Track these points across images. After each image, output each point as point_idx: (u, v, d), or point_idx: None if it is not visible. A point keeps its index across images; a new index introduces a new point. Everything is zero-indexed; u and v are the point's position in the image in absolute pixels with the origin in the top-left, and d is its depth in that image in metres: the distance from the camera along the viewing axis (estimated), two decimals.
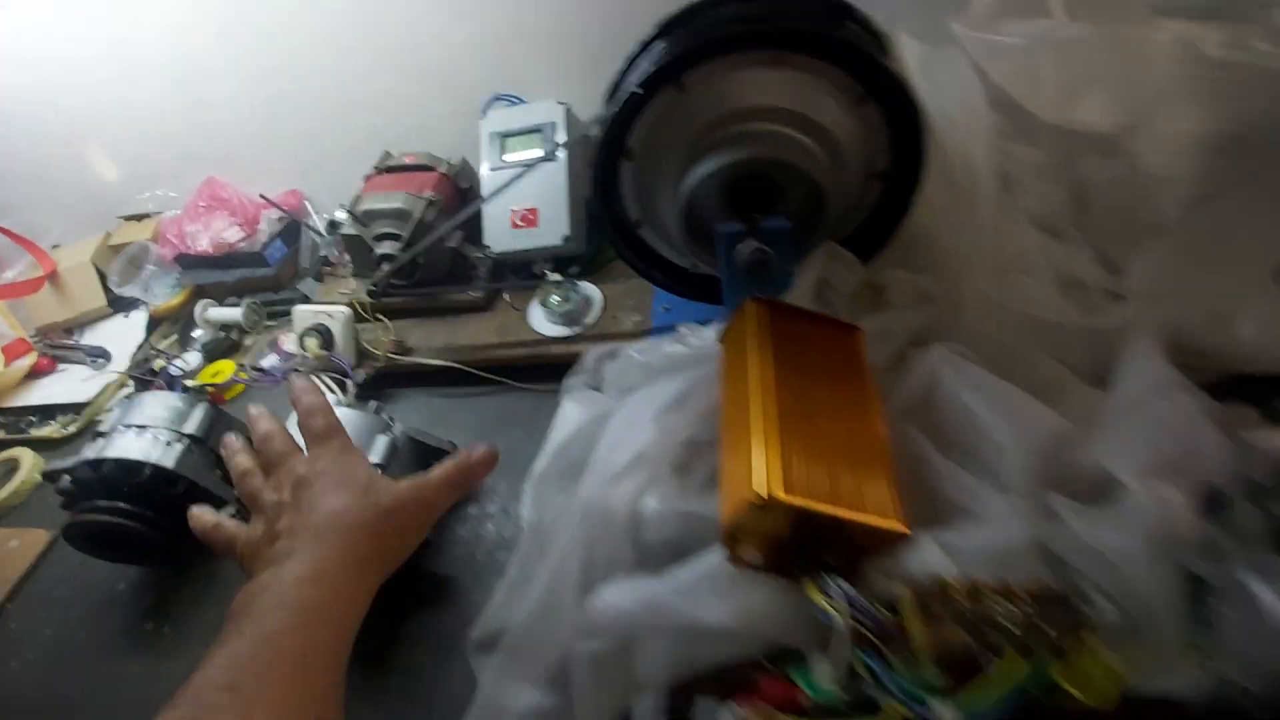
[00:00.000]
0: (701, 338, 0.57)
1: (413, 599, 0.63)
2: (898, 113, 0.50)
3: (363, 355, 0.83)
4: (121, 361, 0.97)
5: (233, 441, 0.51)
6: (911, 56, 0.55)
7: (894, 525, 0.37)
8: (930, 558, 0.35)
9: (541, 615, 0.49)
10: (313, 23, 0.87)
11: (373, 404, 0.70)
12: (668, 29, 0.53)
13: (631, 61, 0.55)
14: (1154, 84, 0.48)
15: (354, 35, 0.88)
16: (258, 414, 0.50)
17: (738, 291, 0.51)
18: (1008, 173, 0.61)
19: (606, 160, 0.55)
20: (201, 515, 0.48)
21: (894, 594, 0.34)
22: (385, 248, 0.80)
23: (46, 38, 0.95)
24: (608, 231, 0.61)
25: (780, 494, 0.36)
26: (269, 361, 0.90)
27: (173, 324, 1.03)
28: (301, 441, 0.48)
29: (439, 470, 0.47)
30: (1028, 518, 0.36)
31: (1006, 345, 0.51)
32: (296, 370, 0.83)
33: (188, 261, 1.02)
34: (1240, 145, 0.51)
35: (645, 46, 0.54)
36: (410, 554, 0.46)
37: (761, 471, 0.38)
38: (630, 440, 0.48)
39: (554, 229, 0.81)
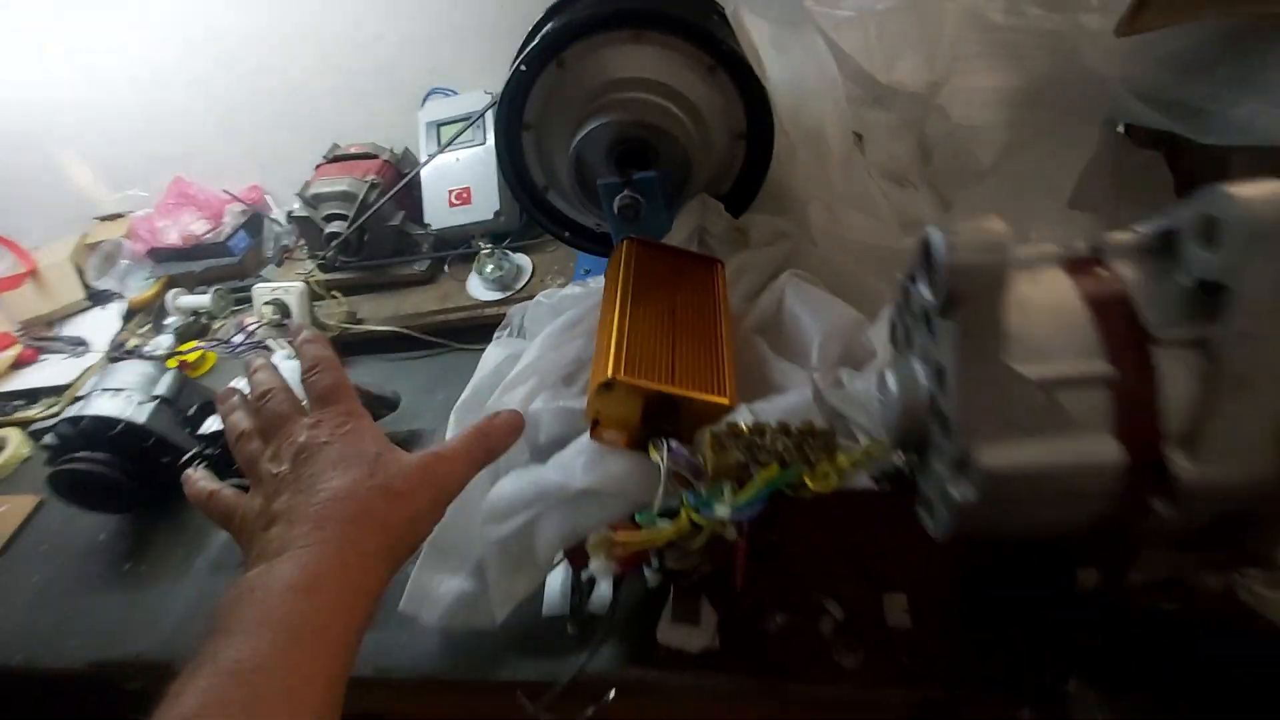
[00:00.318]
0: (597, 281, 0.66)
1: None
2: (743, 79, 0.60)
3: (318, 326, 0.92)
4: (100, 348, 1.05)
5: (229, 396, 0.45)
6: (760, 34, 0.65)
7: (720, 400, 0.47)
8: (741, 417, 0.45)
9: (458, 512, 0.57)
10: (263, 30, 0.96)
11: None
12: (550, 14, 0.63)
13: (524, 45, 0.64)
14: (950, 48, 0.58)
15: (300, 40, 0.97)
16: (258, 365, 0.44)
17: (619, 234, 0.61)
18: (861, 133, 0.70)
19: (508, 131, 0.65)
20: (196, 481, 0.43)
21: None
22: (334, 227, 0.88)
23: (19, 54, 1.03)
24: (517, 196, 0.70)
25: (621, 376, 0.46)
26: (236, 339, 0.99)
27: (147, 313, 1.11)
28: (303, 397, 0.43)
29: (455, 442, 0.41)
30: (817, 384, 0.45)
31: (845, 270, 0.60)
32: (261, 343, 0.92)
33: (159, 255, 1.10)
34: (1034, 98, 0.61)
35: (536, 29, 0.64)
36: (423, 538, 0.40)
37: (609, 362, 0.47)
38: (526, 360, 0.57)
39: (486, 205, 0.90)
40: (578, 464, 0.49)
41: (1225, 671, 0.51)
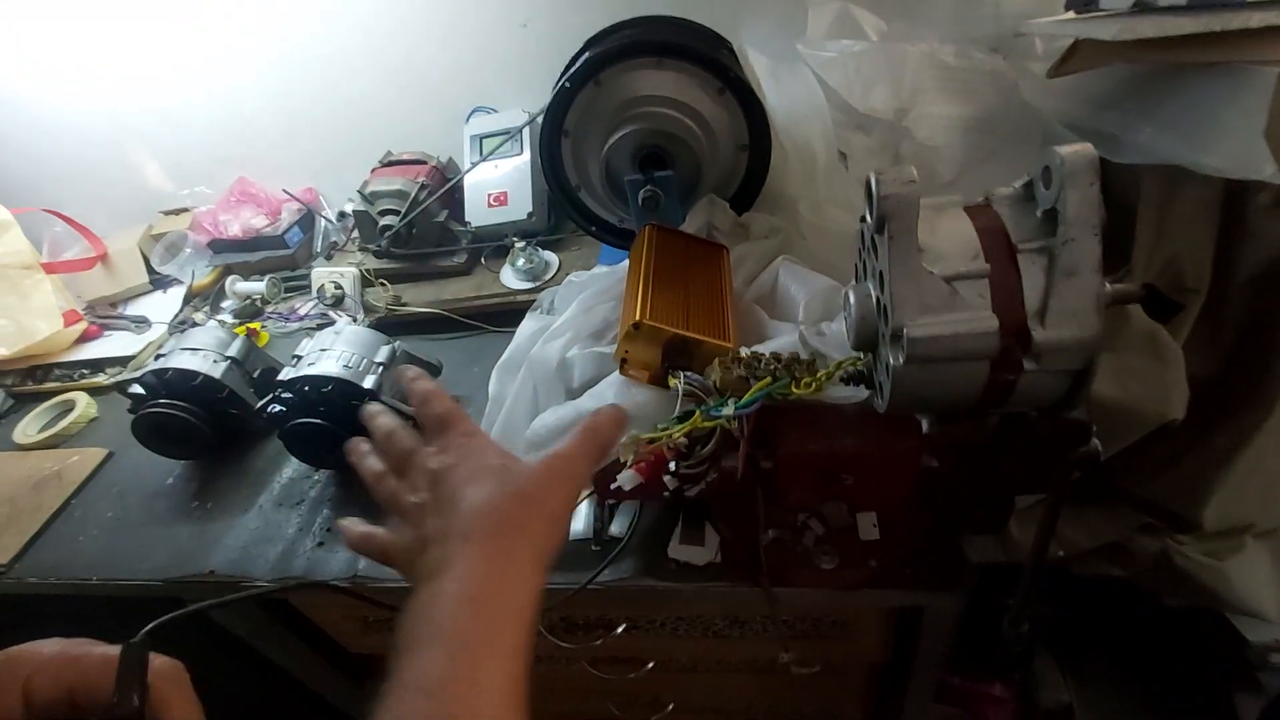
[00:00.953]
0: (621, 266, 0.78)
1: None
2: (747, 101, 0.73)
3: (367, 308, 1.04)
4: (160, 326, 1.17)
5: (358, 447, 0.47)
6: (762, 67, 0.78)
7: (725, 343, 0.59)
8: (762, 352, 0.56)
9: (505, 442, 0.69)
10: (328, 49, 1.11)
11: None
12: (590, 44, 0.77)
13: (567, 68, 0.78)
14: (912, 82, 0.72)
15: (362, 59, 1.11)
16: (374, 411, 0.46)
17: (641, 221, 0.73)
18: (845, 152, 0.84)
19: (550, 138, 0.78)
20: (352, 528, 0.44)
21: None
22: (387, 220, 1.01)
23: (102, 53, 1.16)
24: (554, 194, 0.83)
25: (647, 320, 0.58)
26: (291, 323, 1.10)
27: (204, 298, 1.23)
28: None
29: (569, 441, 0.42)
30: (803, 332, 0.57)
31: (827, 257, 0.72)
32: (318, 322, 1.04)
33: (219, 246, 1.23)
34: (983, 125, 0.75)
35: (576, 57, 0.78)
36: (564, 534, 0.41)
37: (638, 308, 0.59)
38: (563, 318, 0.69)
39: (521, 207, 1.03)
40: (609, 393, 0.61)
41: (1169, 640, 0.61)
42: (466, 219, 1.05)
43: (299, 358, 0.80)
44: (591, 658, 0.87)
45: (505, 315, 0.99)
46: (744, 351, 0.54)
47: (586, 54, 0.75)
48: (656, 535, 0.67)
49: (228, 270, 1.23)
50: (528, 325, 0.81)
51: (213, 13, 1.10)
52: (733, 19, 0.92)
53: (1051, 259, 0.34)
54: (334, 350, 0.79)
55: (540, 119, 0.77)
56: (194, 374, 0.85)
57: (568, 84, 0.73)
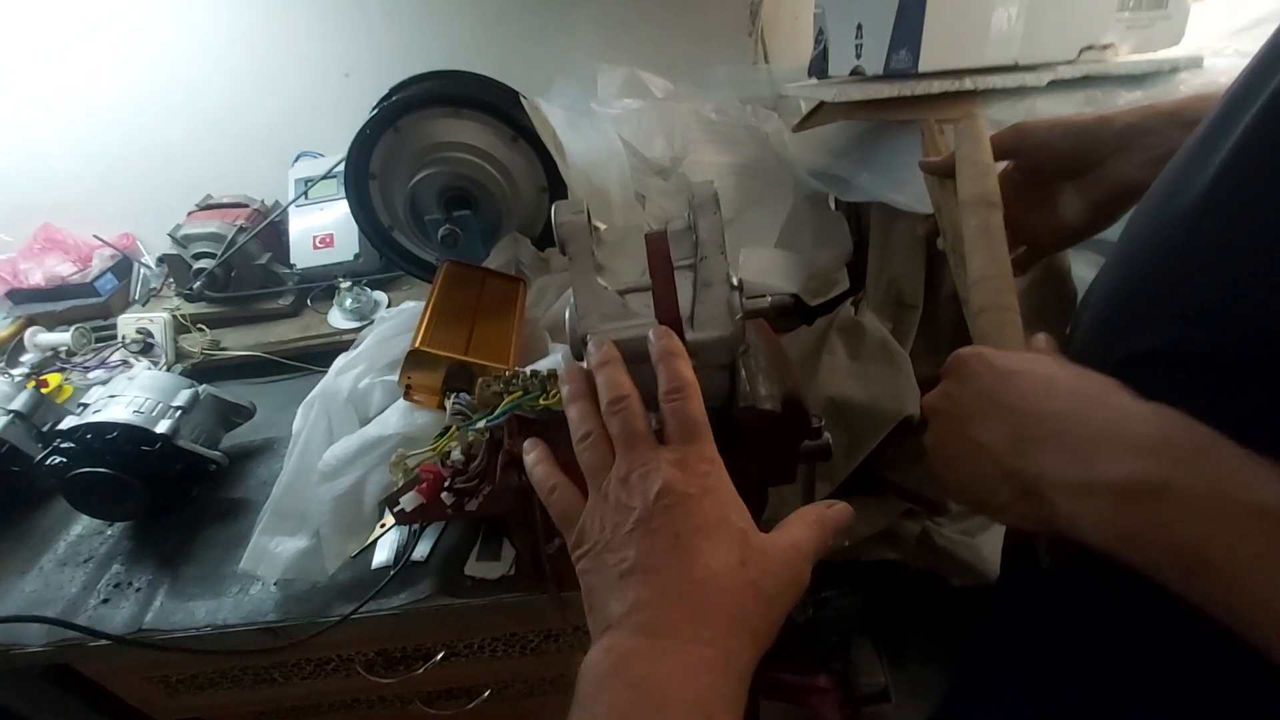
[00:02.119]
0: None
1: (208, 517, 0.79)
2: (539, 148, 0.80)
3: (180, 354, 1.01)
4: None
5: (575, 379, 0.39)
6: (558, 118, 0.86)
7: (501, 366, 0.63)
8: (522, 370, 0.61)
9: (296, 478, 0.69)
10: (145, 95, 1.09)
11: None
12: (393, 92, 0.82)
13: (378, 110, 0.82)
14: (682, 134, 0.82)
15: (183, 105, 1.10)
16: (607, 357, 0.38)
17: (441, 257, 0.78)
18: (642, 194, 0.93)
19: (357, 181, 0.81)
20: (538, 463, 0.39)
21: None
22: (201, 263, 0.99)
23: None
24: (365, 232, 0.86)
25: (421, 346, 0.61)
26: (98, 372, 1.04)
27: (1, 352, 1.13)
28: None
29: (807, 537, 0.35)
30: (564, 351, 0.63)
31: None
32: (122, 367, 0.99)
33: (19, 296, 1.15)
34: (747, 171, 0.86)
35: (381, 102, 0.82)
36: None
37: (417, 337, 0.63)
38: (358, 350, 0.71)
39: (348, 248, 1.05)
40: (392, 419, 0.63)
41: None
42: (291, 261, 1.05)
43: (85, 406, 0.77)
44: (425, 694, 0.87)
45: (331, 355, 0.98)
46: (516, 370, 0.58)
47: (388, 101, 0.80)
48: (459, 555, 0.70)
49: (30, 322, 1.15)
50: (340, 361, 0.83)
51: (14, 56, 1.06)
52: (546, 79, 1.01)
53: (696, 272, 0.42)
54: (124, 396, 0.77)
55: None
56: None
57: (367, 130, 0.77)
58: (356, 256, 1.05)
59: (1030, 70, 0.74)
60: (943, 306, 0.78)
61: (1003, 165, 0.54)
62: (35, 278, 1.14)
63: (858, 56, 0.79)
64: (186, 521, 0.79)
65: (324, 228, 1.06)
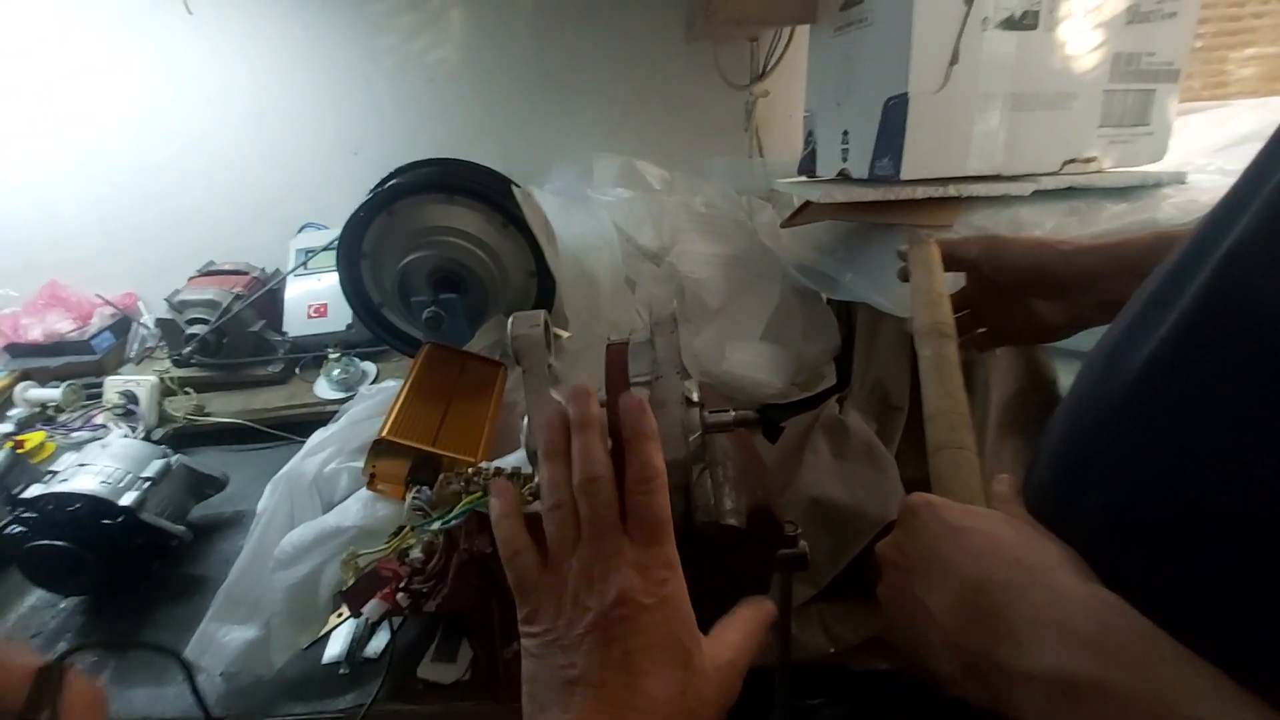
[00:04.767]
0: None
1: (167, 594, 0.77)
2: (529, 234, 0.81)
3: (164, 418, 1.00)
4: None
5: (550, 431, 0.36)
6: (550, 205, 0.88)
7: (469, 458, 0.62)
8: (485, 467, 0.60)
9: (252, 564, 0.67)
10: (157, 164, 1.13)
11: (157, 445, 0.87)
12: (392, 176, 0.84)
13: (374, 193, 0.84)
14: (671, 225, 0.83)
15: (192, 172, 1.14)
16: (584, 420, 0.35)
17: (426, 339, 0.78)
18: (633, 280, 0.93)
19: (349, 259, 0.82)
20: (505, 519, 0.36)
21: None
22: (194, 329, 1.00)
23: None
24: (354, 308, 0.86)
25: (387, 435, 0.60)
26: (81, 433, 1.04)
27: None
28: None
29: (746, 645, 0.35)
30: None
31: (593, 374, 0.79)
32: (105, 429, 0.98)
33: (17, 350, 1.16)
34: (734, 262, 0.86)
35: (380, 185, 0.84)
36: None
37: (385, 426, 0.62)
38: (329, 432, 0.70)
39: (341, 318, 1.06)
40: (353, 509, 0.62)
41: None
42: (284, 329, 1.06)
43: (54, 473, 0.76)
44: None
45: (314, 425, 0.98)
46: (480, 467, 0.57)
47: (384, 185, 0.82)
48: (415, 653, 0.67)
49: (24, 376, 1.16)
50: (316, 437, 0.82)
51: (32, 118, 1.11)
52: (547, 162, 1.03)
53: (652, 391, 0.41)
54: (94, 465, 0.76)
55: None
56: None
57: (361, 212, 0.79)
58: (349, 327, 1.05)
59: (1014, 180, 0.74)
60: None
61: (958, 285, 0.54)
62: (35, 333, 1.15)
63: (844, 160, 0.81)
64: (143, 599, 0.76)
65: (319, 297, 1.07)
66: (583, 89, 1.06)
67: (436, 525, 0.51)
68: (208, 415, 1.01)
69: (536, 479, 0.51)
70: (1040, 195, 0.74)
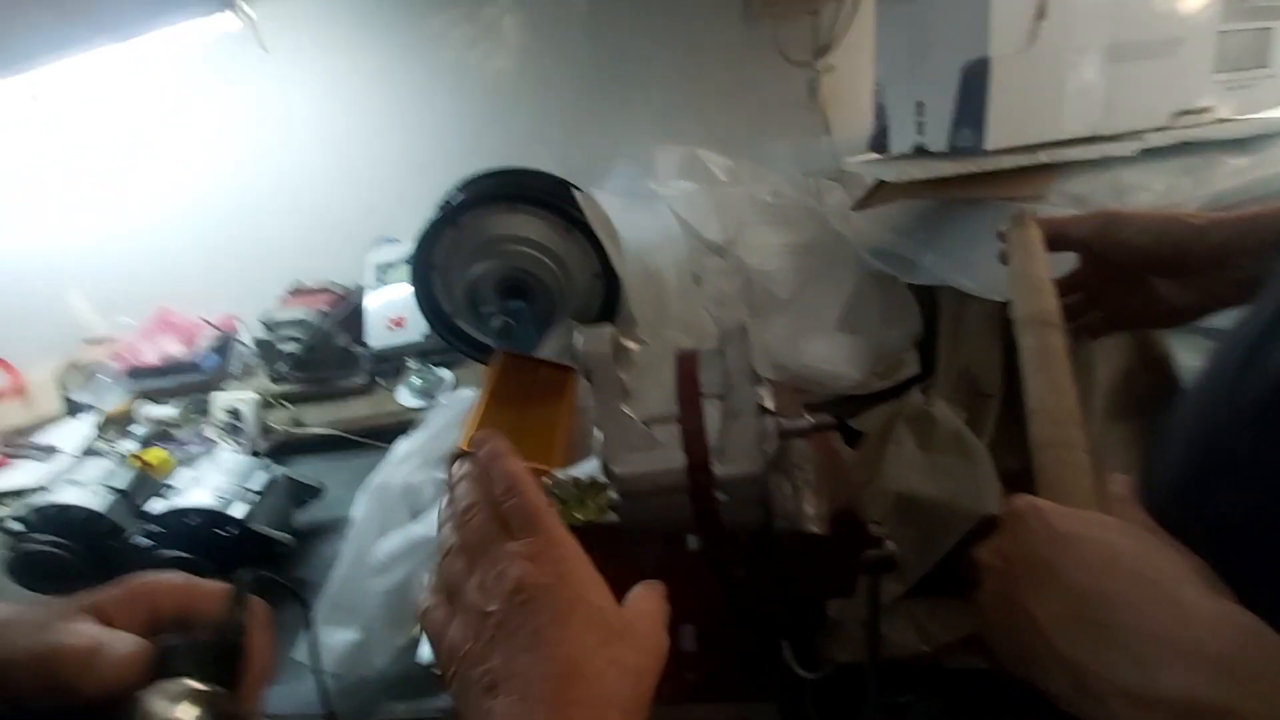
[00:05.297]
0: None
1: (274, 597, 0.82)
2: (592, 237, 0.81)
3: (266, 431, 1.07)
4: (69, 454, 1.18)
5: (445, 510, 0.38)
6: (612, 205, 0.87)
7: (544, 466, 0.63)
8: (560, 475, 0.60)
9: (351, 571, 0.70)
10: (246, 188, 1.21)
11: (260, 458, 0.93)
12: (457, 190, 0.85)
13: (440, 208, 0.86)
14: (737, 217, 0.81)
15: (277, 197, 1.21)
16: (458, 473, 0.38)
17: (498, 347, 0.79)
18: (699, 274, 0.92)
19: (420, 273, 0.85)
20: (421, 597, 0.36)
21: None
22: (288, 347, 1.06)
23: (33, 195, 1.25)
24: (429, 320, 0.89)
25: (467, 445, 0.62)
26: (196, 448, 1.13)
27: (119, 424, 1.25)
28: None
29: (660, 604, 0.37)
30: None
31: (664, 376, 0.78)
32: (214, 445, 1.07)
33: (136, 373, 1.27)
34: (804, 250, 0.83)
35: (445, 200, 0.86)
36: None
37: (465, 436, 0.63)
38: (414, 444, 0.73)
39: (417, 329, 1.09)
40: (436, 519, 0.64)
41: None
42: (367, 341, 1.11)
43: (172, 488, 0.82)
44: None
45: (399, 432, 1.02)
46: (556, 476, 0.57)
47: (448, 200, 0.83)
48: None
49: (144, 396, 1.27)
50: (402, 447, 0.85)
51: (137, 159, 1.20)
52: (607, 161, 1.03)
53: (725, 403, 0.39)
54: (207, 480, 0.82)
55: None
56: (73, 508, 0.86)
57: (429, 228, 0.81)
58: (425, 336, 1.09)
59: (1115, 140, 0.68)
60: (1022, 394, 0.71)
61: (1069, 266, 0.50)
62: (150, 357, 1.25)
63: (919, 133, 0.76)
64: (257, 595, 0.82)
65: (396, 309, 1.11)
66: (639, 84, 1.05)
67: None
68: (303, 427, 1.07)
69: (611, 490, 0.50)
70: (1147, 154, 0.67)
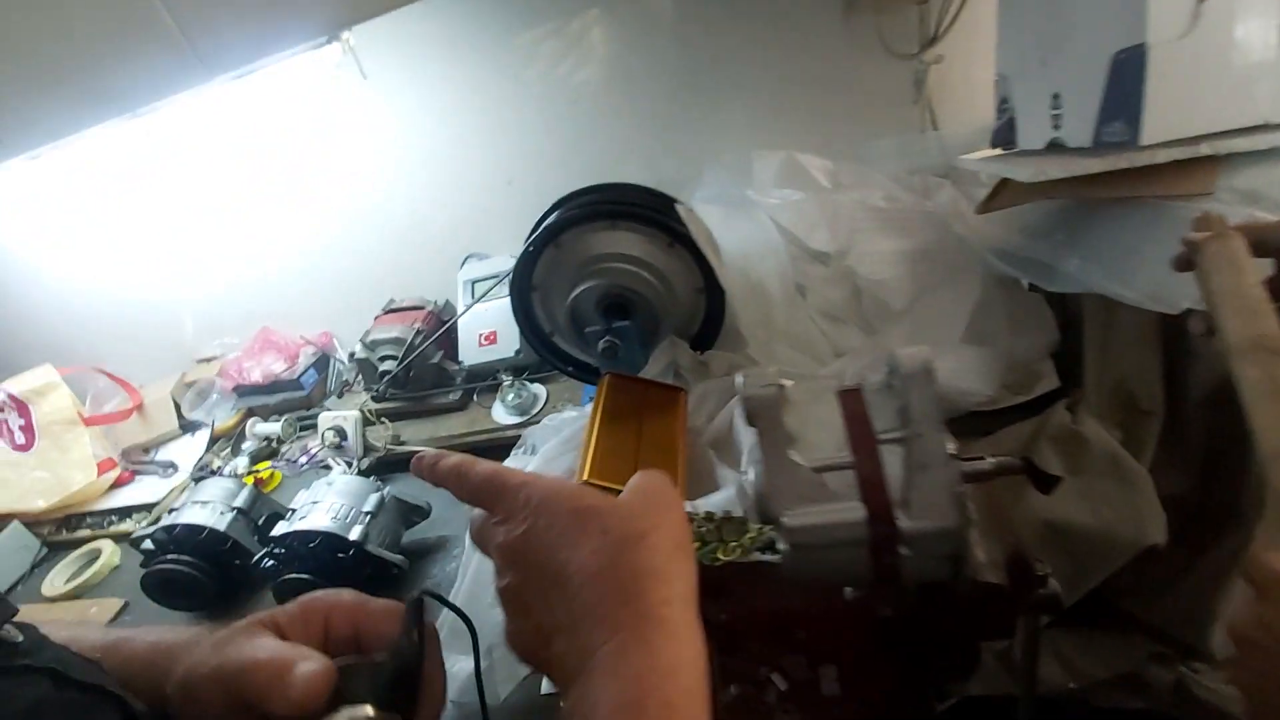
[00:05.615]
0: (589, 409, 0.82)
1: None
2: (695, 251, 0.79)
3: (368, 448, 1.09)
4: (185, 470, 1.25)
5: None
6: (713, 216, 0.84)
7: None
8: (698, 513, 0.58)
9: (469, 597, 0.70)
10: (340, 210, 1.24)
11: (370, 478, 0.94)
12: (555, 208, 0.84)
13: (534, 229, 0.85)
14: (848, 224, 0.76)
15: (370, 218, 1.24)
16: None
17: (603, 370, 0.78)
18: (802, 284, 0.88)
19: (520, 292, 0.84)
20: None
21: None
22: (386, 365, 1.08)
23: (146, 228, 1.32)
24: (528, 340, 0.88)
25: (590, 478, 0.60)
26: (303, 464, 1.17)
27: (228, 440, 1.31)
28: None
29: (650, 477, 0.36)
30: (742, 484, 0.59)
31: None
32: (323, 463, 1.10)
33: (243, 390, 1.32)
34: (923, 258, 0.78)
35: (543, 219, 0.85)
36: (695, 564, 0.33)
37: (585, 468, 0.62)
38: (515, 464, 0.72)
39: (509, 345, 1.10)
40: None
41: None
42: (460, 358, 1.12)
43: (293, 511, 0.85)
44: None
45: (496, 450, 1.03)
46: (696, 513, 0.55)
47: (548, 219, 0.82)
48: None
49: (250, 413, 1.32)
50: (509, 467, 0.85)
51: (241, 189, 1.25)
52: (696, 168, 1.00)
53: (907, 451, 0.36)
54: (324, 502, 0.84)
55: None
56: (200, 528, 0.90)
57: (530, 248, 0.80)
58: (517, 352, 1.09)
59: None
60: (1192, 411, 0.64)
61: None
62: (255, 375, 1.30)
63: (1055, 128, 0.70)
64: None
65: (489, 325, 1.12)
66: (729, 87, 1.01)
67: None
68: (403, 444, 1.08)
69: (755, 526, 0.47)
70: None
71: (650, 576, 0.30)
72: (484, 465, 0.36)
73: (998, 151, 0.79)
